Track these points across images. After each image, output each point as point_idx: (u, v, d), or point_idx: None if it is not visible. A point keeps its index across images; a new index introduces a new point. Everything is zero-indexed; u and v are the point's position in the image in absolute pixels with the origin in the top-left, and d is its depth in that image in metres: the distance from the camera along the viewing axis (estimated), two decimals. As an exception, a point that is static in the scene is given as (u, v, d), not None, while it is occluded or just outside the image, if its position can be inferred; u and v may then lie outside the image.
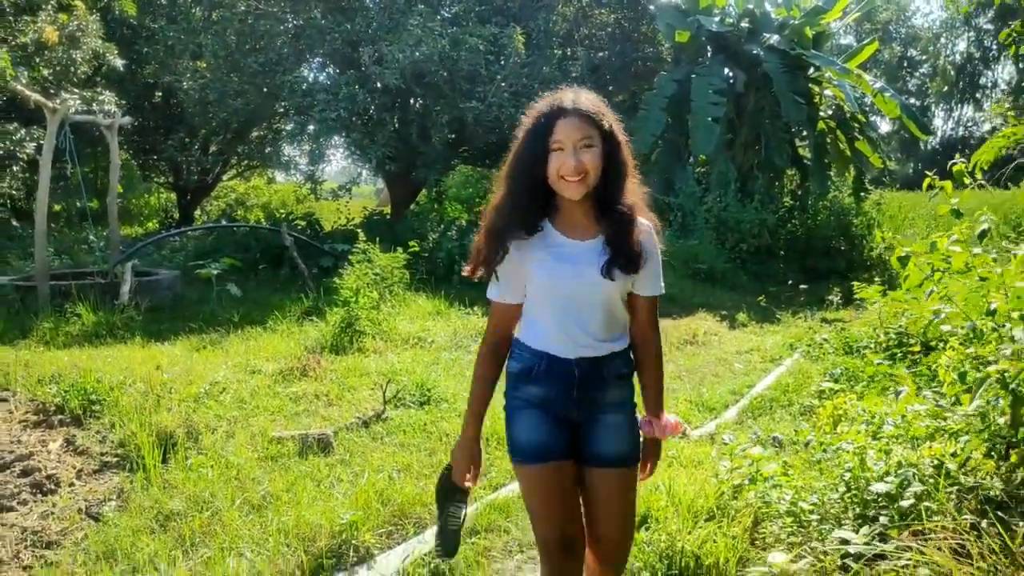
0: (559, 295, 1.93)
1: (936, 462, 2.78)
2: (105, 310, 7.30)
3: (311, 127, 12.61)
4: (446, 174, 15.08)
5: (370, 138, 11.78)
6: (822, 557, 2.52)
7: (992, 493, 2.56)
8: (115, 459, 4.00)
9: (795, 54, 12.94)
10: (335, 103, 11.01)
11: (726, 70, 13.70)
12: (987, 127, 33.77)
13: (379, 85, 11.47)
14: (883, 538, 2.52)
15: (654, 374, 2.07)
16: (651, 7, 15.20)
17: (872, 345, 5.77)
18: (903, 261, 3.22)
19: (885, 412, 3.46)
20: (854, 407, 3.83)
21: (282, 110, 13.83)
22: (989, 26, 32.94)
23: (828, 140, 14.07)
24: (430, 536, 3.08)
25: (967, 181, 3.15)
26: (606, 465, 1.99)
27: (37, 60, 12.05)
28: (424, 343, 6.71)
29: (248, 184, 23.03)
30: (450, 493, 2.09)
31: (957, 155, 3.24)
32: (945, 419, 3.03)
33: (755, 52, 13.02)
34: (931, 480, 2.68)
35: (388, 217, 14.49)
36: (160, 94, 16.99)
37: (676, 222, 12.43)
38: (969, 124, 37.27)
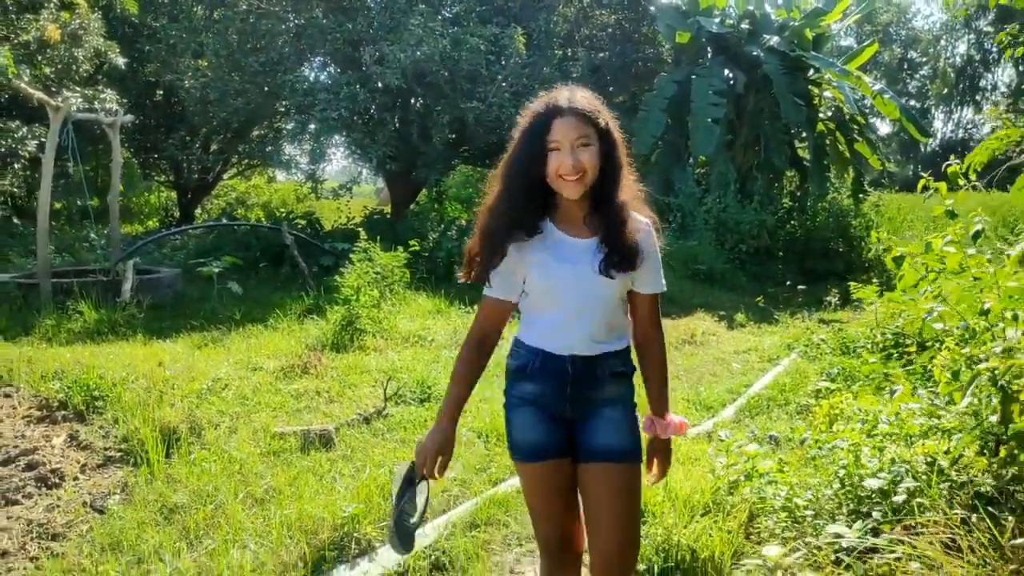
0: (558, 294, 1.91)
1: (929, 459, 2.83)
2: (107, 307, 7.35)
3: (312, 126, 12.66)
4: (446, 174, 15.14)
5: (371, 138, 11.82)
6: (816, 551, 2.57)
7: (983, 489, 2.60)
8: (119, 454, 4.05)
9: (795, 56, 12.99)
10: (336, 102, 11.06)
11: (726, 71, 13.76)
12: (987, 129, 33.80)
13: (380, 85, 11.51)
14: (876, 532, 2.56)
15: (657, 373, 2.05)
16: (652, 8, 15.25)
17: (868, 345, 5.82)
18: (898, 261, 3.26)
19: (880, 410, 3.50)
20: (850, 406, 3.88)
21: (283, 109, 13.87)
22: (989, 28, 32.97)
23: (827, 142, 14.12)
24: (430, 530, 3.13)
25: (961, 183, 3.19)
26: (603, 459, 1.94)
27: (39, 58, 12.11)
28: (424, 341, 6.76)
29: (248, 183, 23.07)
30: (408, 486, 1.95)
31: (953, 157, 3.28)
32: (939, 417, 3.08)
33: (755, 53, 13.08)
34: (924, 477, 2.73)
35: (388, 216, 14.53)
36: (161, 93, 17.02)
37: (675, 223, 12.48)
38: (969, 126, 37.33)
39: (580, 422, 1.98)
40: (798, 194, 14.36)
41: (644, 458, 2.06)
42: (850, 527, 2.60)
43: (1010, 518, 2.35)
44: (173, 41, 13.00)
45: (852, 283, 6.86)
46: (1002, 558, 2.24)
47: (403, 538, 1.92)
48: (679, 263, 10.83)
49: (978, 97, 36.50)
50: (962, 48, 37.15)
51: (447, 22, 12.34)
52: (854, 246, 12.99)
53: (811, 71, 13.73)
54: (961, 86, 36.17)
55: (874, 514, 2.67)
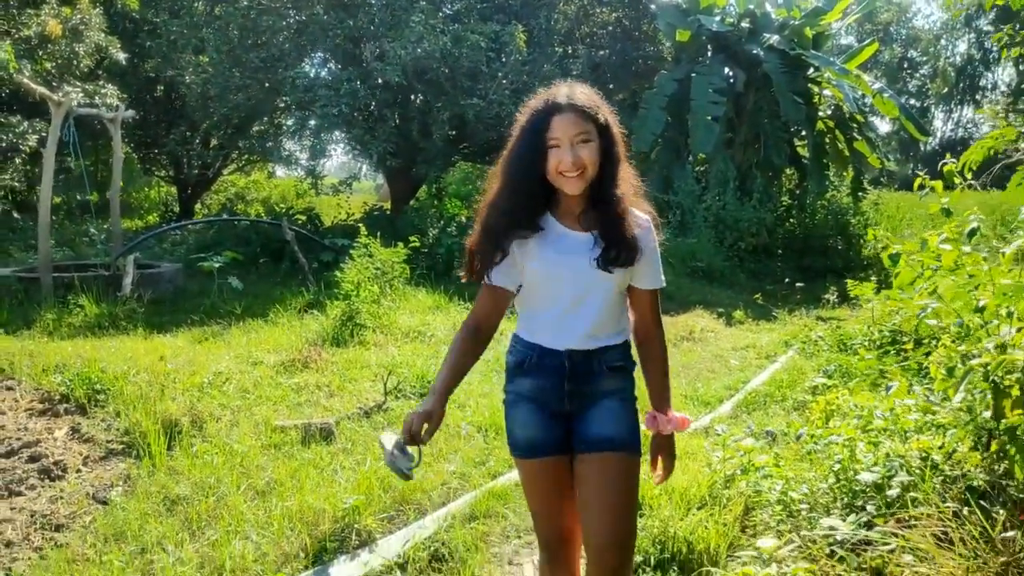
0: (558, 286, 1.91)
1: (923, 454, 2.86)
2: (108, 302, 7.37)
3: (312, 122, 12.69)
4: (446, 170, 15.16)
5: (371, 134, 11.84)
6: (810, 544, 2.60)
7: (975, 483, 2.63)
8: (121, 446, 4.08)
9: (795, 54, 13.01)
10: (336, 99, 11.08)
11: (726, 69, 13.77)
12: (986, 128, 33.82)
13: (380, 81, 11.53)
14: (869, 526, 2.60)
15: (658, 369, 2.04)
16: (652, 6, 15.27)
17: (865, 342, 5.85)
18: (894, 259, 3.30)
19: (875, 406, 3.54)
20: (846, 402, 3.91)
21: (283, 105, 13.89)
22: (989, 28, 32.97)
23: (827, 140, 14.15)
24: (430, 522, 3.17)
25: (957, 181, 3.22)
26: (599, 449, 1.92)
27: (40, 53, 12.12)
28: (424, 336, 6.79)
29: (248, 178, 23.05)
30: (396, 448, 1.94)
31: (949, 155, 3.31)
32: (934, 413, 3.12)
33: (755, 52, 13.09)
34: (917, 471, 2.76)
35: (388, 213, 14.56)
36: (162, 88, 17.02)
37: (675, 220, 12.50)
38: (969, 125, 37.36)
39: (578, 415, 1.98)
40: (797, 192, 14.39)
41: (648, 456, 2.06)
42: (844, 520, 2.63)
43: (1001, 511, 2.38)
44: (174, 37, 13.02)
45: (850, 280, 6.89)
46: (993, 550, 2.28)
47: (398, 471, 1.92)
48: (678, 260, 10.86)
49: (978, 96, 36.51)
50: (962, 47, 37.20)
51: (448, 19, 12.35)
52: (853, 244, 13.03)
53: (811, 70, 13.75)
54: (961, 85, 36.19)
55: (868, 508, 2.71)
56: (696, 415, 4.98)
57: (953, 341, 3.05)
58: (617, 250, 1.87)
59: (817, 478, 3.05)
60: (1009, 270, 2.77)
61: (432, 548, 2.96)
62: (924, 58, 38.08)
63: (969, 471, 2.71)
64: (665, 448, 2.05)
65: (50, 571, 2.79)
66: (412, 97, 12.76)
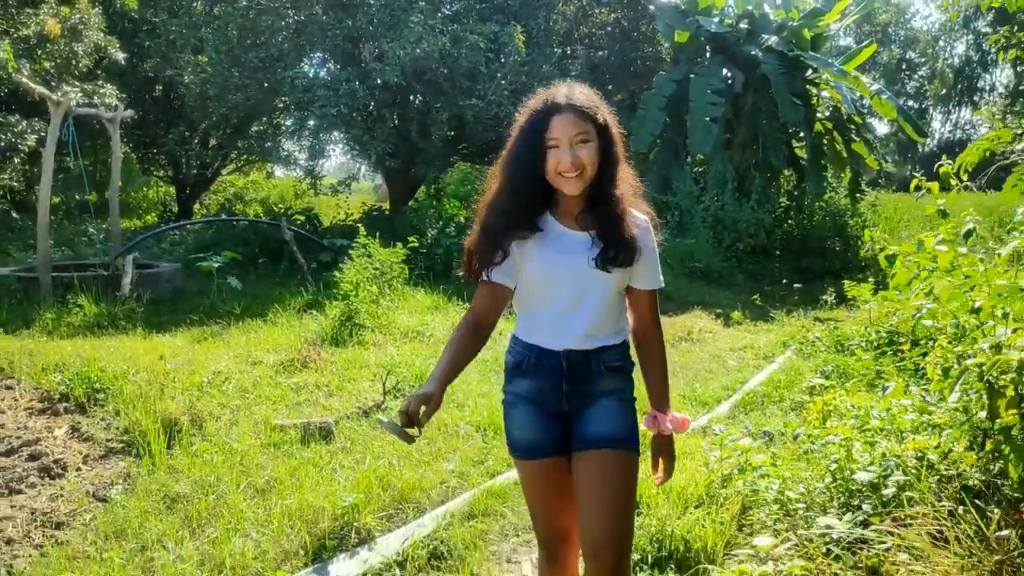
0: (557, 286, 1.91)
1: (919, 454, 2.88)
2: (107, 301, 7.38)
3: (311, 122, 12.70)
4: (445, 171, 15.17)
5: (370, 134, 11.86)
6: (807, 542, 2.62)
7: (971, 482, 2.65)
8: (120, 445, 4.10)
9: (793, 55, 13.04)
10: (335, 99, 11.09)
11: (724, 71, 13.80)
12: (984, 130, 33.88)
13: (379, 82, 11.55)
14: (865, 525, 2.62)
15: (657, 369, 2.03)
16: (651, 7, 15.28)
17: (863, 343, 5.87)
18: (891, 260, 3.32)
19: (872, 406, 3.56)
20: (843, 402, 3.93)
21: (282, 105, 13.90)
22: (988, 29, 33.02)
23: (825, 141, 14.18)
24: (429, 520, 3.18)
25: (953, 183, 3.24)
26: (597, 446, 1.92)
27: (39, 52, 12.12)
28: (423, 336, 6.80)
29: (247, 179, 23.05)
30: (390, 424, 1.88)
31: (945, 157, 3.33)
32: (930, 413, 3.14)
33: (753, 53, 13.12)
34: (913, 471, 2.78)
35: (387, 213, 14.57)
36: (161, 88, 17.03)
37: (673, 221, 12.52)
38: (967, 127, 37.42)
39: (576, 415, 1.98)
40: (795, 193, 14.42)
41: (649, 457, 2.05)
42: (841, 519, 2.65)
43: (996, 510, 2.40)
44: (173, 36, 13.02)
45: (847, 282, 6.92)
46: (987, 549, 2.30)
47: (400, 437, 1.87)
48: (676, 261, 10.89)
49: (976, 98, 36.55)
50: (960, 49, 37.26)
51: (447, 19, 12.37)
52: (850, 245, 13.05)
53: (809, 71, 13.77)
54: (959, 87, 36.22)
55: (864, 507, 2.73)
56: (694, 415, 4.99)
57: (949, 342, 3.07)
58: (616, 250, 1.88)
59: (814, 477, 3.07)
60: (1004, 271, 2.79)
61: (431, 546, 2.97)
62: (922, 59, 38.14)
63: (964, 470, 2.73)
64: (665, 449, 2.05)
65: (51, 568, 2.80)
66: (411, 97, 12.78)
